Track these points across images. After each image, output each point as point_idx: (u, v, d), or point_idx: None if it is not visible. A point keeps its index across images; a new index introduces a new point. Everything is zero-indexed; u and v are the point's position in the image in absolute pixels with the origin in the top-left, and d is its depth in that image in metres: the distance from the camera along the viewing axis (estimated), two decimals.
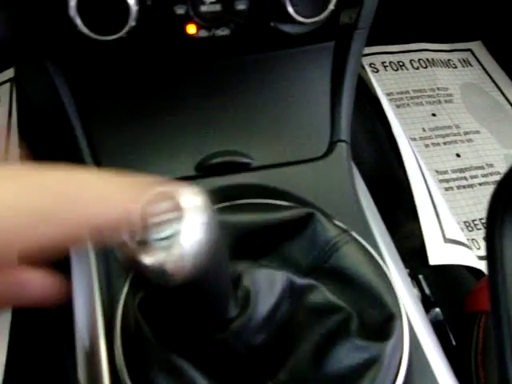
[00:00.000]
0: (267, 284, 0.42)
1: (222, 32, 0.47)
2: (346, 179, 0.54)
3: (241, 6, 0.46)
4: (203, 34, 0.47)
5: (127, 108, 0.52)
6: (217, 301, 0.36)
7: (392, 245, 0.57)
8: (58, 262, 0.27)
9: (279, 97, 0.54)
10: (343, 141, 0.56)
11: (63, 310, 0.50)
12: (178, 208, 0.28)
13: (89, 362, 0.45)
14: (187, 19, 0.46)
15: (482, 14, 1.48)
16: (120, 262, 0.29)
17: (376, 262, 0.47)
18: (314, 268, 0.47)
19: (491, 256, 0.34)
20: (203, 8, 0.45)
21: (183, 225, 0.28)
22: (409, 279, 0.57)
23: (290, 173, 0.53)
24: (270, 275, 0.43)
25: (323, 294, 0.44)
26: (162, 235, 0.28)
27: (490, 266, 0.34)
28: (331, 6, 0.48)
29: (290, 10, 0.47)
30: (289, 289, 0.43)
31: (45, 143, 0.55)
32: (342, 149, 0.55)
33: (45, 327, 0.76)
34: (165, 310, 0.40)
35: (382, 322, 0.43)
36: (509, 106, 1.37)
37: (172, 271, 0.28)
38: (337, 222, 0.49)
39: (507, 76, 1.43)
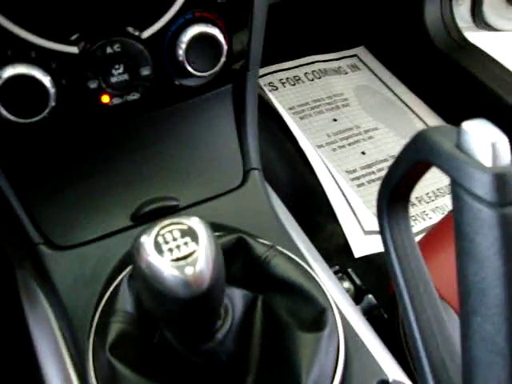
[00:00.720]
0: (238, 299, 0.50)
1: (133, 96, 0.53)
2: (263, 202, 0.61)
3: (145, 72, 0.53)
4: (116, 101, 0.53)
5: (60, 176, 0.57)
6: (214, 312, 0.43)
7: (314, 250, 0.65)
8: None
9: (193, 140, 0.61)
10: (255, 168, 0.63)
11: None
12: (190, 233, 0.35)
13: None
14: (100, 91, 0.52)
15: (363, 20, 1.61)
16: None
17: (302, 267, 0.55)
18: (254, 283, 0.54)
19: (385, 248, 0.42)
20: (113, 79, 0.52)
21: (199, 245, 0.35)
22: (334, 276, 0.65)
23: (214, 206, 0.60)
24: (239, 292, 0.50)
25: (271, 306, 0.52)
26: (182, 255, 0.35)
27: (387, 256, 0.42)
28: (223, 59, 0.55)
29: (189, 68, 0.54)
30: (250, 303, 0.51)
31: None
32: (256, 176, 0.63)
33: None
34: (144, 344, 0.46)
35: (316, 316, 0.51)
36: (399, 101, 1.48)
37: (195, 283, 0.35)
38: (263, 241, 0.56)
39: (393, 74, 1.55)
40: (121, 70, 0.52)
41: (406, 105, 1.48)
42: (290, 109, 1.39)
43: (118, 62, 0.51)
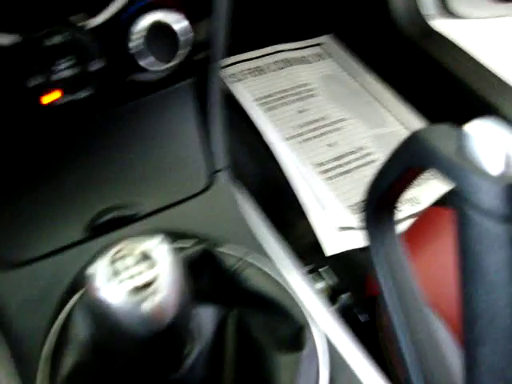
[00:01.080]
0: (208, 318, 0.45)
1: (82, 94, 0.47)
2: (231, 205, 0.57)
3: (95, 66, 0.47)
4: (63, 100, 0.47)
5: (5, 186, 0.51)
6: (181, 341, 0.38)
7: (287, 251, 0.61)
8: None
9: (153, 141, 0.56)
10: (223, 169, 0.58)
11: None
12: (150, 257, 0.29)
13: None
14: (44, 89, 0.46)
15: (328, 9, 1.57)
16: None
17: (276, 279, 0.50)
18: (224, 297, 0.49)
19: (373, 259, 0.38)
20: (58, 75, 0.46)
21: (160, 272, 0.29)
22: (308, 282, 0.60)
23: (179, 212, 0.55)
24: (208, 309, 0.45)
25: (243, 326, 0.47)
26: (140, 284, 0.29)
27: (374, 267, 0.38)
28: (183, 50, 0.50)
29: (145, 61, 0.48)
30: (221, 320, 0.46)
31: None
32: (223, 177, 0.58)
33: None
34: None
35: (293, 334, 0.46)
36: (366, 90, 1.46)
37: (155, 319, 0.29)
38: (234, 250, 0.51)
39: (360, 63, 1.53)
40: (66, 65, 0.46)
41: (374, 93, 1.45)
42: (256, 100, 1.35)
43: (63, 56, 0.45)
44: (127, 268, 0.30)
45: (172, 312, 0.31)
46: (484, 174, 0.26)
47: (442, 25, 1.54)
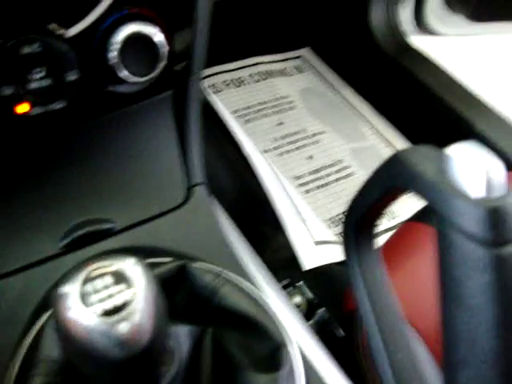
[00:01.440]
0: (184, 337, 0.44)
1: (58, 105, 0.46)
2: (208, 220, 0.56)
3: (71, 77, 0.46)
4: (38, 110, 0.45)
5: None
6: (157, 362, 0.37)
7: (263, 267, 0.60)
8: None
9: (129, 154, 0.54)
10: (199, 183, 0.57)
11: None
12: (124, 278, 0.28)
13: None
14: (17, 99, 0.44)
15: (309, 22, 1.59)
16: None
17: (255, 297, 0.49)
18: (201, 315, 0.48)
19: (354, 281, 0.37)
20: (32, 85, 0.44)
21: (136, 294, 0.28)
22: (284, 298, 0.60)
23: (155, 227, 0.54)
24: (184, 328, 0.44)
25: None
26: (114, 307, 0.28)
27: (354, 289, 0.37)
28: (162, 62, 0.49)
29: (123, 72, 0.47)
30: (197, 339, 0.45)
31: None
32: (200, 191, 0.57)
33: None
34: None
35: (271, 353, 0.45)
36: (345, 104, 1.47)
37: (131, 341, 0.28)
38: (209, 267, 0.50)
39: (339, 76, 1.54)
40: (42, 74, 0.44)
41: (353, 107, 1.46)
42: (234, 112, 1.35)
43: (39, 65, 0.44)
44: (102, 288, 0.29)
45: (149, 333, 0.30)
46: (465, 198, 0.25)
47: (419, 41, 1.56)
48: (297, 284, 0.92)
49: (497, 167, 0.25)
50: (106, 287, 0.29)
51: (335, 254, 1.04)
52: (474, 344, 0.27)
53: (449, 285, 0.27)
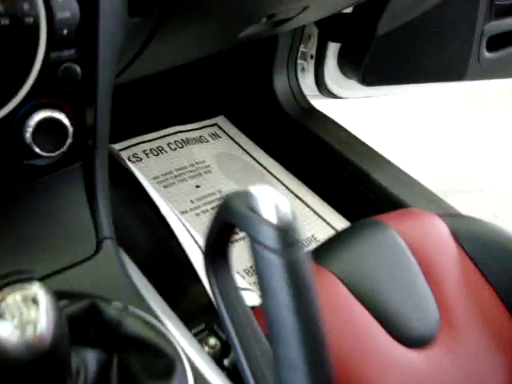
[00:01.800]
0: (91, 360, 0.52)
1: None
2: (116, 269, 0.66)
3: None
4: None
5: None
6: (62, 373, 0.46)
7: (170, 311, 0.70)
8: None
9: (45, 216, 0.65)
10: (108, 238, 0.68)
11: None
12: (31, 298, 0.39)
13: None
14: None
15: (221, 91, 1.74)
16: None
17: (153, 324, 0.60)
18: (108, 344, 0.57)
19: (215, 300, 0.49)
20: None
21: (40, 308, 0.38)
22: (190, 335, 0.69)
23: (67, 276, 0.63)
24: (92, 353, 0.53)
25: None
26: (23, 319, 0.38)
27: (217, 308, 0.49)
28: (69, 140, 0.61)
29: (36, 149, 0.59)
30: (104, 363, 0.54)
31: None
32: (109, 244, 0.67)
33: None
34: None
35: (166, 367, 0.55)
36: (258, 165, 1.61)
37: (37, 343, 0.37)
38: (117, 304, 0.60)
39: (251, 141, 1.68)
40: None
41: (265, 168, 1.60)
42: (154, 178, 1.46)
43: None
44: (15, 306, 0.39)
45: (52, 337, 0.40)
46: (263, 221, 0.38)
47: (320, 104, 1.74)
48: (212, 327, 1.02)
49: (282, 201, 0.38)
50: (17, 306, 0.39)
51: (250, 299, 1.14)
52: (281, 323, 0.39)
53: (261, 284, 0.39)
